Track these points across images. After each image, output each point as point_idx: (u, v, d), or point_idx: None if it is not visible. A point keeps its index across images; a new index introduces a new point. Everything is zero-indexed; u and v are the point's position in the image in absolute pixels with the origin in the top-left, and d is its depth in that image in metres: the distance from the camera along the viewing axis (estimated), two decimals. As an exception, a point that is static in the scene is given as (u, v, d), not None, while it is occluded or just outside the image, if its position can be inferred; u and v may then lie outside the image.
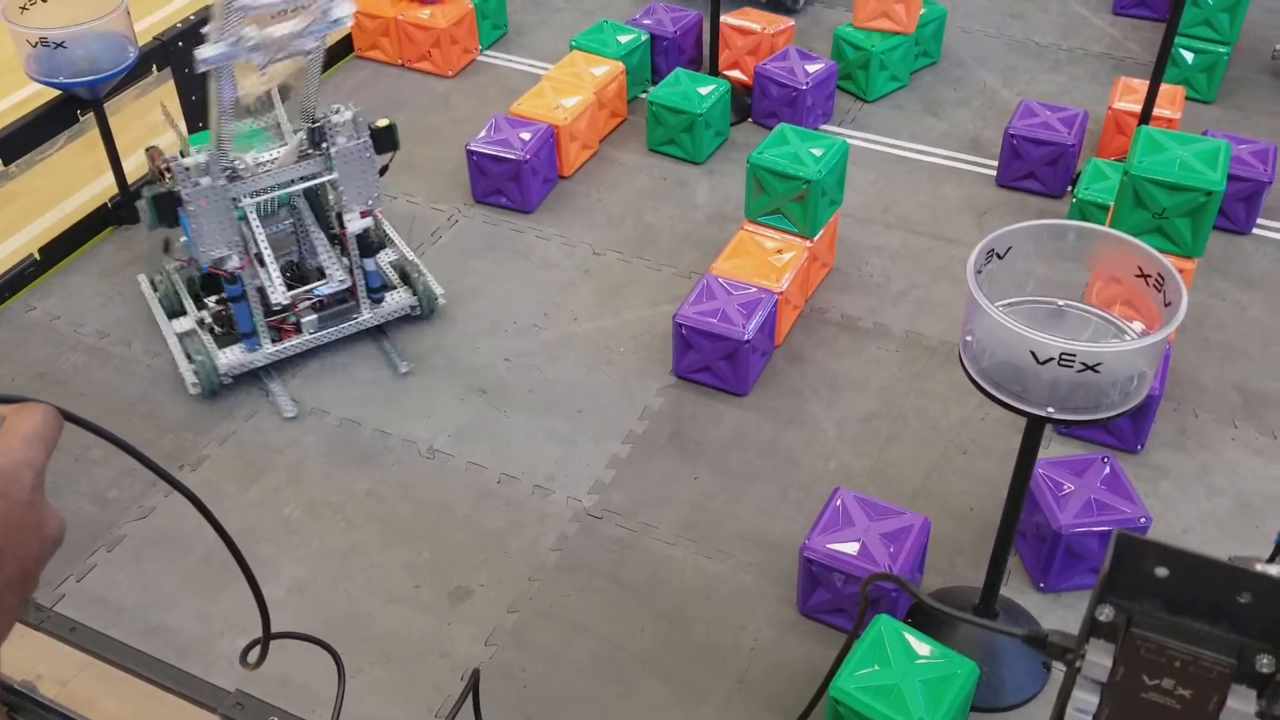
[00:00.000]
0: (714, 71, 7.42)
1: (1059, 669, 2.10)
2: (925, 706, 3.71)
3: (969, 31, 8.21)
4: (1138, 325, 3.31)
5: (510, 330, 5.91)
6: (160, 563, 4.82)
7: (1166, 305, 3.13)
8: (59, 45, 5.85)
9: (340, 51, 8.06)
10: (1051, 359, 3.02)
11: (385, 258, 6.05)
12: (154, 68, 6.64)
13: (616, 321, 5.95)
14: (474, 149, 6.56)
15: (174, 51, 6.69)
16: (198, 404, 5.53)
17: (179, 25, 6.78)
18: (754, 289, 5.53)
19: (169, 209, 5.18)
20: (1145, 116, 6.25)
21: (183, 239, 5.65)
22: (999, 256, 3.27)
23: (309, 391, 5.59)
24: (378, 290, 5.75)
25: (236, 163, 5.13)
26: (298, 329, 5.62)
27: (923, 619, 4.35)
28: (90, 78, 6.00)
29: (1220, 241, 6.28)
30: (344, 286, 5.48)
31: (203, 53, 4.47)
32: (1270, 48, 7.92)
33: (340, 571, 4.78)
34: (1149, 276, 3.19)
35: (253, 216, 5.19)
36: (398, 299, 5.82)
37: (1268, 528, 4.84)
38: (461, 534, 4.92)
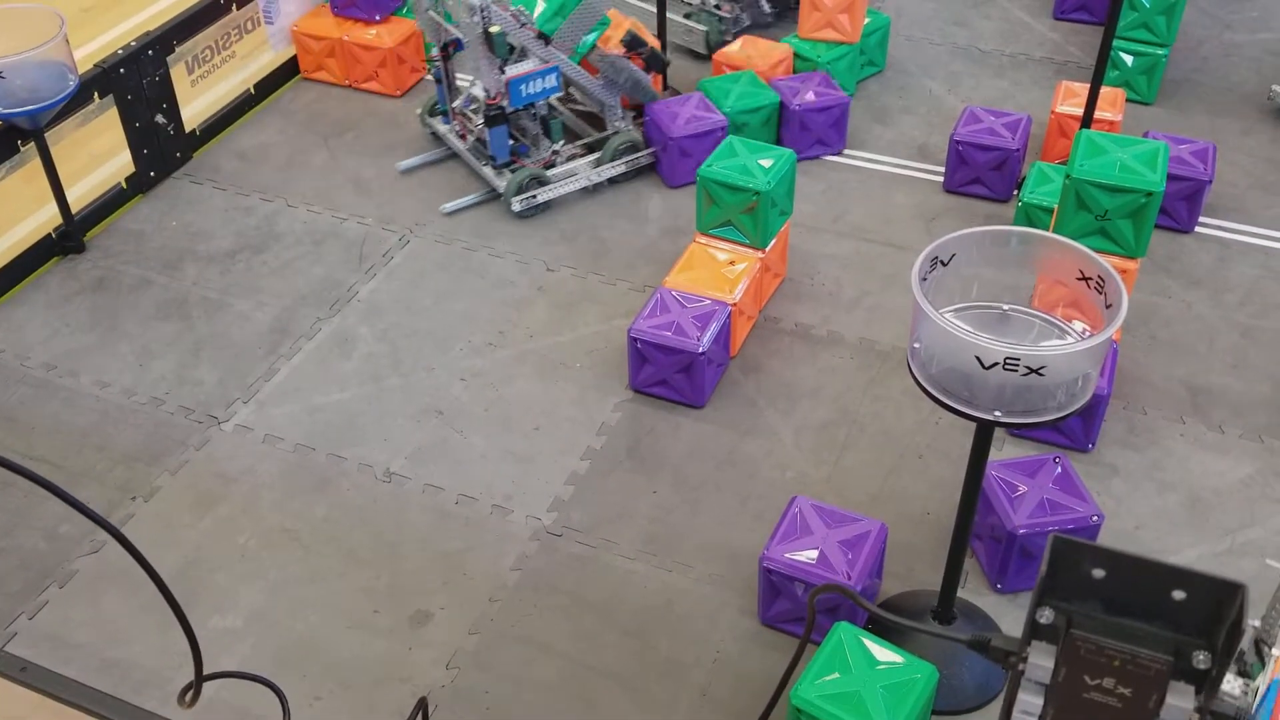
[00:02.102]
0: (665, 87, 7.45)
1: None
2: (887, 712, 3.73)
3: (913, 40, 8.30)
4: (1080, 327, 3.35)
5: (465, 349, 5.89)
6: (114, 597, 4.75)
7: (1108, 307, 3.17)
8: (-3, 75, 5.78)
9: (286, 74, 8.01)
10: (996, 363, 3.05)
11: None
12: (95, 95, 6.58)
13: (572, 337, 5.94)
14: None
15: (115, 79, 6.64)
16: (148, 434, 5.46)
17: (120, 52, 6.72)
18: (708, 301, 5.55)
19: None
20: (1087, 119, 6.35)
21: None
22: (943, 263, 3.30)
23: (262, 418, 5.54)
24: (498, 163, 6.70)
25: None
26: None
27: (881, 625, 4.37)
28: (30, 107, 5.93)
29: (1164, 241, 6.38)
30: (471, 135, 6.91)
31: None
32: (1205, 48, 8.07)
33: (298, 599, 4.74)
34: (1090, 279, 3.23)
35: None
36: (503, 179, 6.69)
37: (1218, 521, 4.92)
38: (420, 557, 4.89)
